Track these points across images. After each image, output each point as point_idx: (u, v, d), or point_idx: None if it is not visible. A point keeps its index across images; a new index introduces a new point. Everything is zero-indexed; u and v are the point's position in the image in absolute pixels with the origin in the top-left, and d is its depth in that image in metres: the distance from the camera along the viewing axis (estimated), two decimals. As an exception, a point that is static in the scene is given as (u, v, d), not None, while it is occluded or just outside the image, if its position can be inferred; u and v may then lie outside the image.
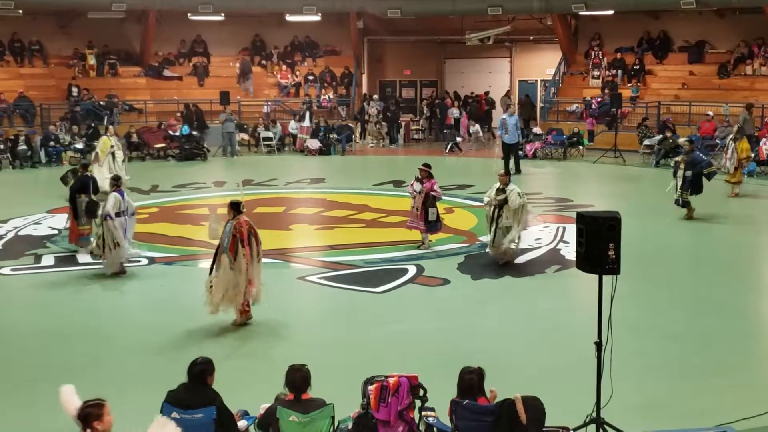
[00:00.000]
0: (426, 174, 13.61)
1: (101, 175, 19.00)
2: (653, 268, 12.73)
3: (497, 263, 12.78)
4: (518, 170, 21.93)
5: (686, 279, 12.35)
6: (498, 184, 12.71)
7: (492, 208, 12.68)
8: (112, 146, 19.49)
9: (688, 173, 15.74)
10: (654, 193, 20.03)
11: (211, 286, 9.90)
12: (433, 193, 13.50)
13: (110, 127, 21.66)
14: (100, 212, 12.69)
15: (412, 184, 13.82)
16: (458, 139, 28.35)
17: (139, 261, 13.30)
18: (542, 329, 10.08)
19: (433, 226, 13.72)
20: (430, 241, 13.91)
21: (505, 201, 12.50)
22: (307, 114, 28.38)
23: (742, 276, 12.76)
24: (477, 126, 29.45)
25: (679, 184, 15.91)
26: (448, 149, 27.52)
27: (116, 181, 12.74)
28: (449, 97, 32.10)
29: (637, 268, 11.69)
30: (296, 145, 27.91)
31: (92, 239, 13.22)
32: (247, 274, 9.92)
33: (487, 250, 13.11)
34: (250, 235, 9.98)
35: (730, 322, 10.26)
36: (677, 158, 16.69)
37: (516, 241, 12.77)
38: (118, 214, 12.34)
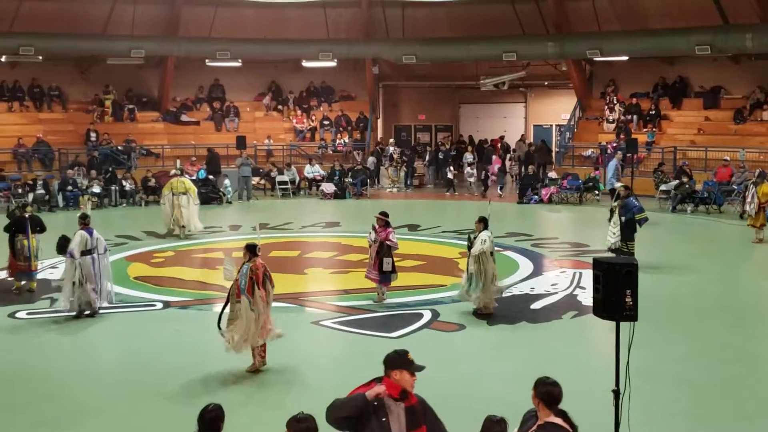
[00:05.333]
0: (383, 223, 13.26)
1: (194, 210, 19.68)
2: (671, 314, 12.60)
3: (475, 312, 12.57)
4: None
5: (704, 326, 12.19)
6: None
7: (468, 256, 12.61)
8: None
9: (623, 219, 15.30)
10: (670, 238, 19.94)
11: (231, 328, 9.86)
12: (387, 243, 13.11)
13: (182, 169, 21.96)
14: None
15: (370, 233, 13.43)
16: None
17: (153, 305, 13.32)
18: (559, 376, 9.88)
19: (386, 276, 13.25)
20: (384, 294, 13.39)
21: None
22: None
23: (762, 322, 12.62)
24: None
25: (615, 231, 15.41)
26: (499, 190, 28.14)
27: (84, 220, 12.81)
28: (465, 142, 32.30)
29: (655, 314, 11.60)
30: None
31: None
32: (263, 317, 9.90)
33: (457, 296, 12.87)
34: (265, 278, 9.99)
35: (749, 368, 10.13)
36: (613, 204, 16.13)
37: (488, 294, 12.48)
38: (87, 252, 12.43)
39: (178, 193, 19.59)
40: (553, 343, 11.36)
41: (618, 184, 18.82)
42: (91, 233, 12.66)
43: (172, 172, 21.07)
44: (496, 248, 17.26)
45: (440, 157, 30.31)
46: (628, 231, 15.32)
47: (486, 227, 12.55)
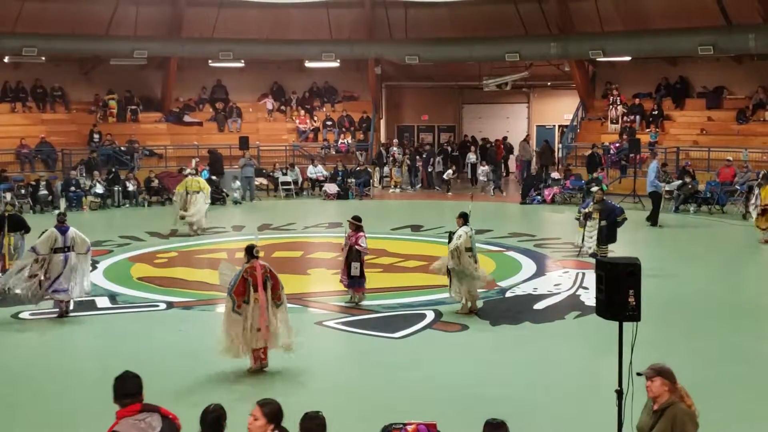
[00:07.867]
0: (354, 227, 13.20)
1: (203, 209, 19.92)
2: (674, 314, 12.60)
3: (470, 313, 12.56)
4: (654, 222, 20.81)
5: (708, 326, 12.18)
6: None
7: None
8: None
9: (603, 223, 15.05)
10: (673, 238, 19.93)
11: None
12: (357, 247, 13.05)
13: (197, 168, 22.15)
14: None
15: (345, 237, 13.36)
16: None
17: (157, 306, 13.34)
18: (562, 376, 9.97)
19: (355, 281, 13.18)
20: (359, 297, 13.28)
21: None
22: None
23: (766, 323, 12.60)
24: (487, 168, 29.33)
25: (592, 235, 15.18)
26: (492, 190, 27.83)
27: (58, 218, 13.01)
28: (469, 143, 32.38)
29: (658, 314, 11.58)
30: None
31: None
32: (258, 320, 9.81)
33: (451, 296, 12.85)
34: (266, 280, 9.93)
35: (753, 369, 10.12)
36: (587, 209, 15.93)
37: (467, 289, 12.48)
38: (62, 250, 12.46)
39: (192, 192, 19.89)
40: (556, 343, 11.37)
41: (595, 188, 18.77)
42: (64, 232, 12.64)
43: (187, 171, 21.28)
44: (497, 248, 17.36)
45: (424, 157, 30.25)
46: (610, 233, 15.13)
47: (466, 223, 12.51)
